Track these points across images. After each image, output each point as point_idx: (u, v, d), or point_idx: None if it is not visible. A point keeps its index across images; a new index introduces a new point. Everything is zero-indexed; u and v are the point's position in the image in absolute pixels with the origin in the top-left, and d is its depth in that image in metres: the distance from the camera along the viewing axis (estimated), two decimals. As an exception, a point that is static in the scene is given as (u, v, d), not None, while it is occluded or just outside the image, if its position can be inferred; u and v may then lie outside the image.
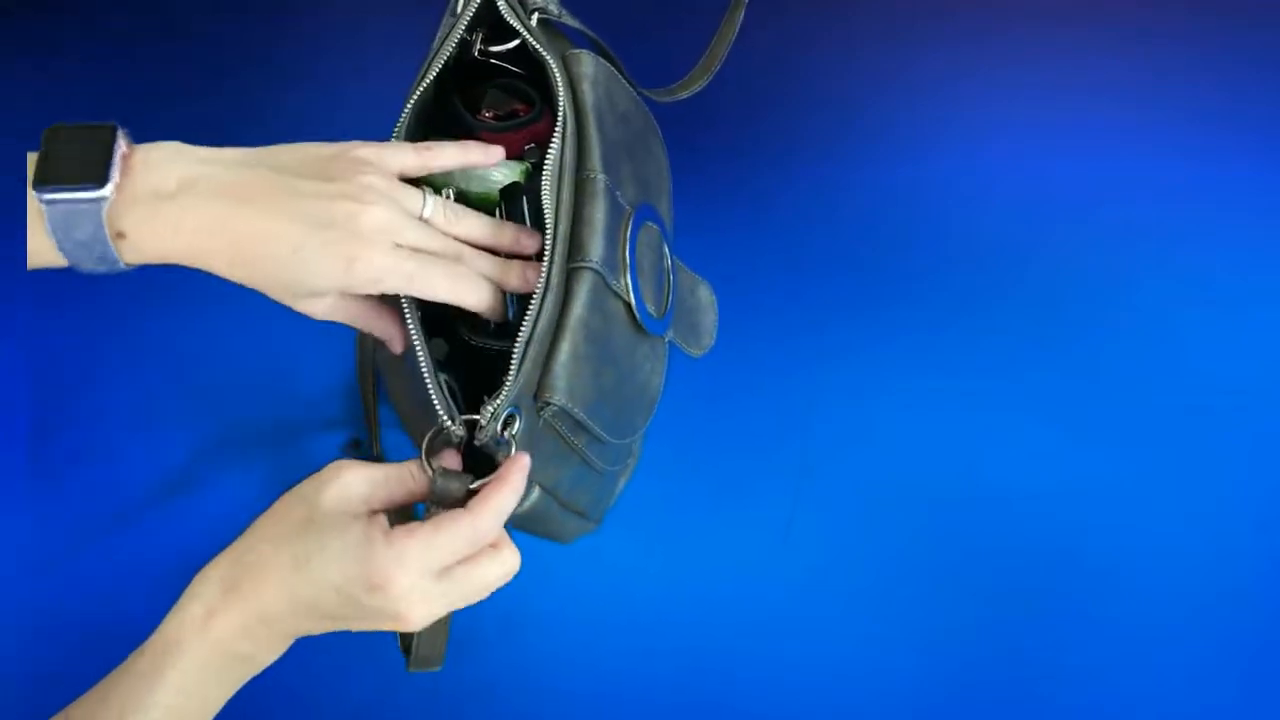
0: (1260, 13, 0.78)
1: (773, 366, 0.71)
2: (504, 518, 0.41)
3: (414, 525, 0.40)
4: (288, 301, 0.41)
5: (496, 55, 0.49)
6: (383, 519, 0.40)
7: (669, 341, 0.54)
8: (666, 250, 0.52)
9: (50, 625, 0.63)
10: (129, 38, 0.75)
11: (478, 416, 0.41)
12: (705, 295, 0.60)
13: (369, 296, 0.44)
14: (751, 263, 0.73)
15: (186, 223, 0.39)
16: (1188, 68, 0.78)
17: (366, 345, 0.65)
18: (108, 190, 0.38)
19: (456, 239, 0.44)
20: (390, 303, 0.44)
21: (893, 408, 0.70)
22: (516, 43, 0.48)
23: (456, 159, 0.45)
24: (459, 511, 0.40)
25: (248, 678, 0.42)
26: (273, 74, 0.75)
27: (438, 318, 0.46)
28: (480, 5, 0.47)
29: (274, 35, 0.77)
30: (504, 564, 0.41)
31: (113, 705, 0.39)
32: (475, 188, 0.47)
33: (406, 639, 0.45)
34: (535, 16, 0.48)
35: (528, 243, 0.45)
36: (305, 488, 0.41)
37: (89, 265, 0.40)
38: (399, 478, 0.42)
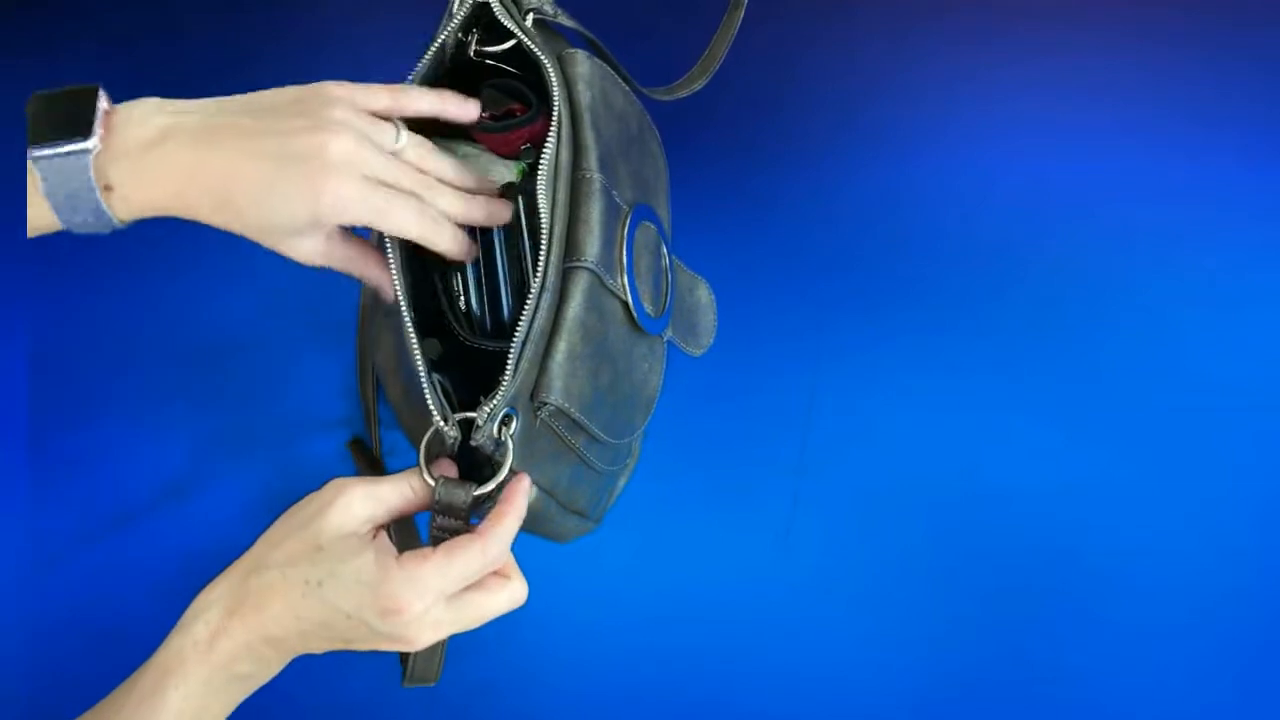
0: (1260, 13, 0.78)
1: (772, 366, 0.71)
2: (510, 541, 0.42)
3: (426, 551, 0.40)
4: (272, 244, 0.42)
5: (492, 56, 0.49)
6: (389, 543, 0.40)
7: (667, 341, 0.54)
8: (664, 250, 0.52)
9: (50, 625, 0.63)
10: (129, 38, 0.75)
11: (474, 415, 0.41)
12: (704, 295, 0.60)
13: (355, 240, 0.44)
14: (751, 262, 0.73)
15: (167, 171, 0.40)
16: (1188, 68, 0.77)
17: (367, 345, 0.65)
18: (92, 143, 0.39)
19: (425, 174, 0.44)
20: (379, 249, 0.45)
21: (892, 408, 0.70)
22: (512, 43, 0.48)
23: (432, 105, 0.45)
24: (469, 537, 0.40)
25: (248, 694, 0.42)
26: (273, 74, 0.75)
27: (432, 318, 0.46)
28: (475, 6, 0.47)
29: (274, 35, 0.77)
30: (512, 594, 0.42)
31: None
32: None
33: (404, 654, 0.45)
34: (530, 17, 0.48)
35: (492, 188, 0.46)
36: (308, 509, 0.41)
37: (81, 223, 0.41)
38: (399, 492, 0.42)
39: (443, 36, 0.47)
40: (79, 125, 0.39)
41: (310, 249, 0.43)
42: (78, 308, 0.70)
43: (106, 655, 0.61)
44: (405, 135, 0.43)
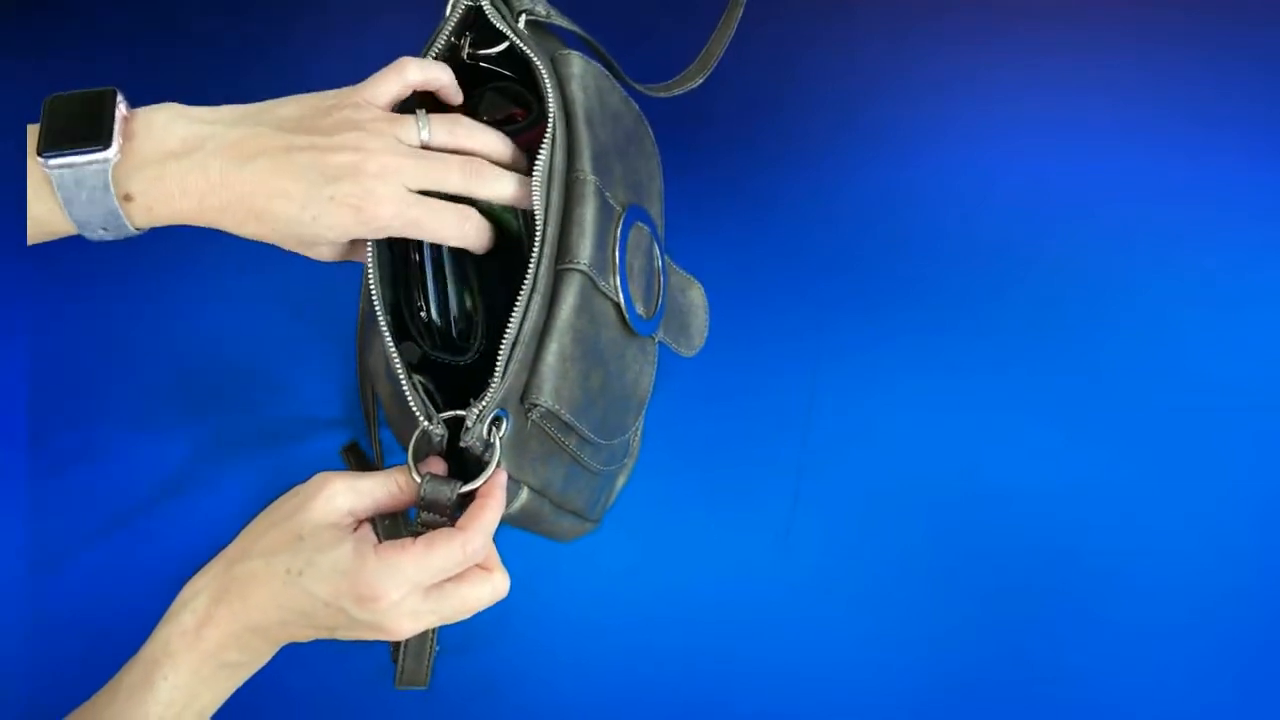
0: (1260, 13, 0.78)
1: (772, 367, 0.71)
2: (490, 534, 0.42)
3: (405, 541, 0.40)
4: (299, 250, 0.42)
5: (485, 59, 0.49)
6: (370, 533, 0.41)
7: (659, 342, 0.54)
8: (657, 251, 0.52)
9: (50, 625, 0.63)
10: (129, 38, 0.75)
11: (463, 414, 0.41)
12: (696, 296, 0.60)
13: None
14: (751, 262, 0.73)
15: (193, 183, 0.39)
16: (1188, 68, 0.77)
17: (364, 347, 0.65)
18: (112, 152, 0.38)
19: (462, 150, 0.44)
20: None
21: (892, 408, 0.70)
22: (505, 46, 0.48)
23: (418, 75, 0.44)
24: (449, 530, 0.41)
25: (238, 684, 0.42)
26: (273, 74, 0.75)
27: (402, 326, 0.46)
28: (468, 9, 0.47)
29: (274, 35, 0.77)
30: (493, 586, 0.42)
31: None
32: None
33: (396, 653, 0.45)
34: (523, 18, 0.47)
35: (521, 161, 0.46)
36: (292, 501, 0.41)
37: (98, 231, 0.40)
38: (384, 486, 0.42)
39: (439, 41, 0.47)
40: (98, 133, 0.38)
41: (335, 253, 0.43)
42: (78, 308, 0.70)
43: (106, 655, 0.61)
44: (427, 122, 0.43)
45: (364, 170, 0.40)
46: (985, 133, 0.77)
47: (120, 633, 0.62)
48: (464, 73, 0.49)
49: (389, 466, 0.67)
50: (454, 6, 0.47)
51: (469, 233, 0.44)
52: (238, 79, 0.75)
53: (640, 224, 0.49)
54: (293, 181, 0.39)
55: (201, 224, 0.41)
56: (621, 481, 0.64)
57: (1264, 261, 0.73)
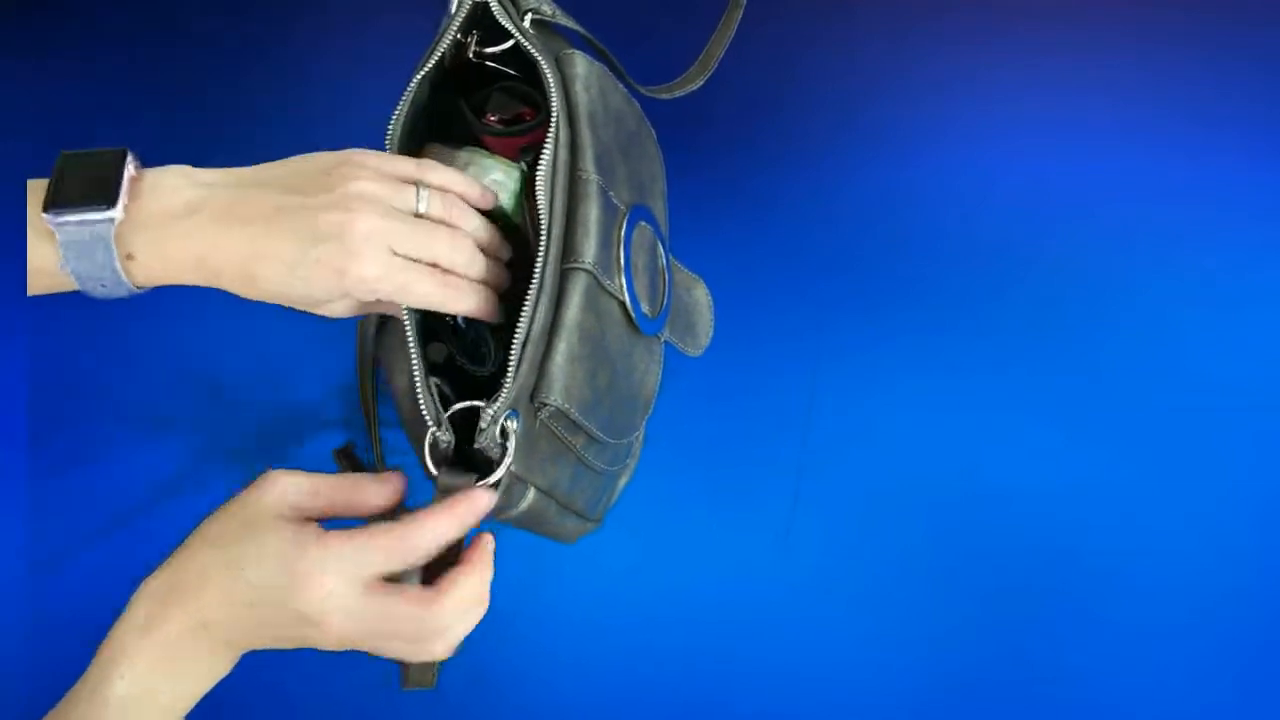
0: (1260, 13, 0.78)
1: (772, 367, 0.71)
2: (440, 541, 0.41)
3: (352, 530, 0.40)
4: (309, 310, 0.42)
5: (491, 57, 0.49)
6: (316, 525, 0.40)
7: (665, 341, 0.54)
8: (661, 250, 0.52)
9: (50, 625, 0.63)
10: (129, 38, 0.75)
11: (476, 405, 0.41)
12: (701, 295, 0.60)
13: None
14: (751, 262, 0.73)
15: (191, 247, 0.40)
16: (1188, 68, 0.77)
17: (366, 345, 0.65)
18: (117, 211, 0.39)
19: (452, 228, 0.44)
20: None
21: (892, 408, 0.70)
22: (510, 44, 0.48)
23: (448, 180, 0.44)
24: (394, 524, 0.40)
25: (202, 685, 0.41)
26: (273, 74, 0.75)
27: (430, 326, 0.46)
28: (475, 6, 0.47)
29: (274, 35, 0.77)
30: (433, 615, 0.40)
31: None
32: None
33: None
34: (529, 18, 0.48)
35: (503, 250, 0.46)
36: (243, 496, 0.42)
37: (98, 289, 0.41)
38: (339, 488, 0.42)
39: (445, 38, 0.47)
40: (105, 191, 0.39)
41: (342, 310, 0.43)
42: (77, 308, 0.70)
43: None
44: (426, 195, 0.43)
45: (351, 231, 0.40)
46: (985, 133, 0.77)
47: (120, 633, 0.62)
48: (470, 71, 0.49)
49: (390, 467, 0.67)
50: (460, 3, 0.47)
51: (459, 300, 0.43)
52: (238, 79, 0.75)
53: (644, 223, 0.49)
54: (280, 242, 0.39)
55: (203, 284, 0.41)
56: (623, 481, 0.64)
57: (1264, 261, 0.73)
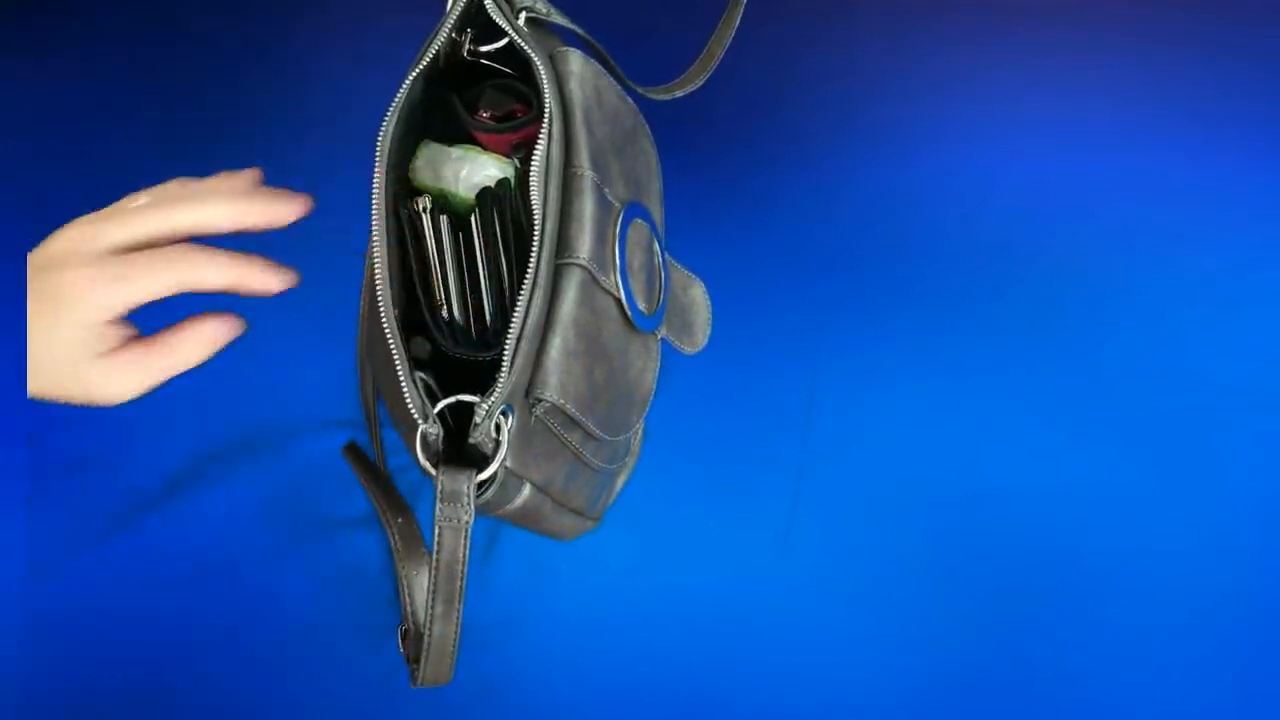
0: (1260, 13, 0.78)
1: (772, 366, 0.71)
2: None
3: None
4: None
5: (486, 55, 0.49)
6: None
7: (662, 340, 0.54)
8: (657, 248, 0.52)
9: (50, 625, 0.63)
10: (129, 38, 0.75)
11: (466, 400, 0.41)
12: (698, 294, 0.60)
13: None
14: (751, 262, 0.73)
15: None
16: (1188, 68, 0.77)
17: (366, 345, 0.65)
18: None
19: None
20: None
21: (892, 407, 0.70)
22: (505, 42, 0.48)
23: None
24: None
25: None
26: (273, 74, 0.75)
27: (421, 320, 0.46)
28: (469, 4, 0.47)
29: (274, 35, 0.77)
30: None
31: None
32: (462, 190, 0.46)
33: (414, 650, 0.45)
34: (524, 15, 0.48)
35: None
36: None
37: None
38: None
39: (440, 36, 0.47)
40: None
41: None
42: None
43: (106, 655, 0.61)
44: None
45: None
46: (985, 133, 0.77)
47: (120, 633, 0.62)
48: (465, 69, 0.49)
49: (389, 467, 0.67)
50: (455, 1, 0.47)
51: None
52: (238, 79, 0.75)
53: (639, 220, 0.49)
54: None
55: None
56: (622, 480, 0.64)
57: (1264, 261, 0.73)
